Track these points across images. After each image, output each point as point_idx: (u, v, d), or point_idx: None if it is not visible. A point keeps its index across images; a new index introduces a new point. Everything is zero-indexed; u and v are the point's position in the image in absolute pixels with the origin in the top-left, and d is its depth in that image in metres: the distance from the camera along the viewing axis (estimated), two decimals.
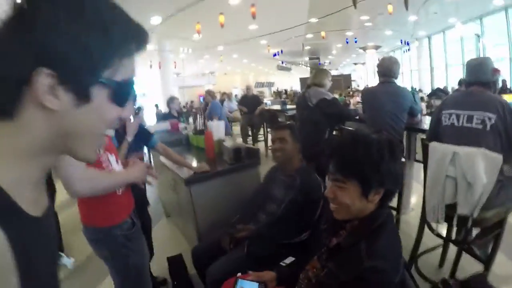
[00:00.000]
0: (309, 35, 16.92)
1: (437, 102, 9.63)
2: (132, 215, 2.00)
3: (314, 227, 2.32)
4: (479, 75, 2.60)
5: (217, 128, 3.76)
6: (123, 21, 0.61)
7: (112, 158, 1.91)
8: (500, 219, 2.46)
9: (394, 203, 3.40)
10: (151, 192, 3.98)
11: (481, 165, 2.24)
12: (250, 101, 9.32)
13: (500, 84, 3.48)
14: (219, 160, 3.39)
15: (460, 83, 2.58)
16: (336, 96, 4.67)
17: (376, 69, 3.87)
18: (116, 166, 1.91)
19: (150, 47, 12.87)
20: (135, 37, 0.63)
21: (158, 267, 3.22)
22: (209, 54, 20.46)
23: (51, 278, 0.69)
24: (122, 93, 0.64)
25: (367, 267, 1.19)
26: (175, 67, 19.54)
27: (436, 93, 10.90)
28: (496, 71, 2.66)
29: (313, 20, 13.10)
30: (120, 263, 1.89)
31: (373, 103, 3.75)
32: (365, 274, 1.19)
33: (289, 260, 2.08)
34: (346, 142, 1.32)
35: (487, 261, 2.54)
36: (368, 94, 4.18)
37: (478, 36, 13.54)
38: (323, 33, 13.80)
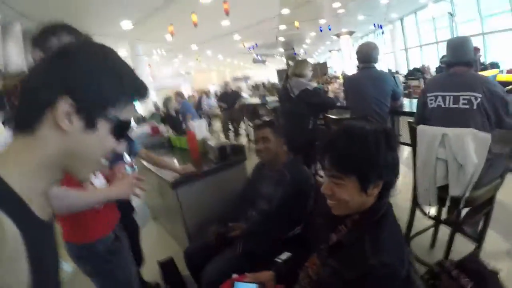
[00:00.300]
0: (282, 27, 16.82)
1: (414, 82, 9.81)
2: (116, 228, 1.90)
3: (307, 220, 2.28)
4: (462, 55, 2.59)
5: (199, 127, 3.67)
6: (132, 75, 0.80)
7: None
8: (489, 197, 2.50)
9: None
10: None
11: (471, 145, 2.23)
12: (229, 97, 9.51)
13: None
14: (204, 159, 3.32)
15: (442, 62, 2.55)
16: (314, 84, 4.65)
17: (355, 56, 3.84)
18: (97, 180, 1.80)
19: (122, 52, 12.77)
20: (139, 88, 0.81)
21: (149, 271, 3.12)
22: (183, 54, 20.29)
23: (57, 276, 0.80)
24: (121, 129, 0.80)
25: (374, 263, 1.14)
26: (149, 69, 19.34)
27: (413, 73, 11.03)
28: (476, 50, 2.67)
29: (285, 11, 13.04)
30: (105, 279, 1.81)
31: (356, 90, 3.72)
32: (372, 270, 1.14)
33: (285, 255, 2.02)
34: (341, 136, 1.24)
35: (479, 239, 2.59)
36: (350, 81, 4.14)
37: (451, 14, 13.63)
38: (297, 23, 13.77)
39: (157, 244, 3.91)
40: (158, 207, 3.98)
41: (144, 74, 15.72)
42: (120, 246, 1.88)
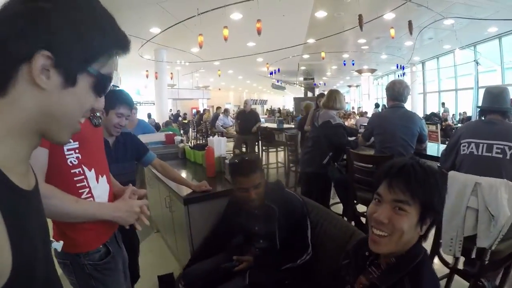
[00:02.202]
0: (306, 56, 16.97)
1: (431, 127, 9.73)
2: (109, 242, 1.68)
3: (312, 246, 2.16)
4: (501, 104, 2.62)
5: (218, 144, 3.53)
6: (116, 28, 0.73)
7: (91, 174, 1.60)
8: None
9: None
10: None
11: (504, 196, 2.16)
12: (247, 117, 8.82)
13: None
14: (219, 179, 3.20)
15: (482, 111, 2.61)
16: (340, 120, 4.56)
17: (386, 92, 3.78)
18: (96, 185, 1.61)
19: (147, 56, 12.87)
20: (122, 42, 0.75)
21: (147, 285, 3.03)
22: (205, 68, 20.36)
23: (44, 249, 0.70)
24: (103, 84, 0.73)
25: None
26: (171, 79, 19.48)
27: (431, 117, 10.99)
28: None
29: (311, 40, 13.15)
30: None
31: (384, 128, 3.63)
32: None
33: None
34: (415, 165, 1.21)
35: None
36: (378, 118, 4.04)
37: (477, 62, 13.82)
38: (323, 54, 13.77)
39: (157, 258, 3.78)
40: (163, 220, 3.83)
41: (164, 81, 15.88)
42: (111, 263, 1.67)
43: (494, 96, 2.67)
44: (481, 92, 5.41)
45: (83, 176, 1.57)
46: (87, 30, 0.66)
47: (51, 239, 0.86)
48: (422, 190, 1.15)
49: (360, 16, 8.18)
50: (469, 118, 13.06)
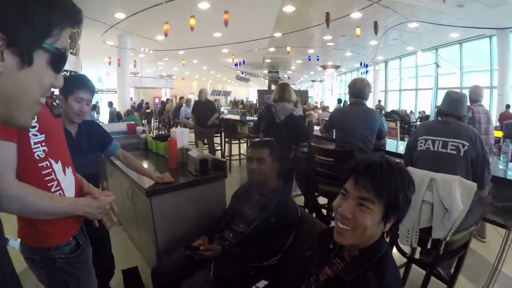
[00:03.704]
0: (272, 49, 17.02)
1: (391, 124, 10.04)
2: (78, 235, 1.64)
3: (285, 252, 2.15)
4: (458, 109, 2.82)
5: (181, 135, 3.49)
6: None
7: (58, 166, 1.55)
8: (465, 241, 2.60)
9: None
10: None
11: (458, 191, 2.32)
12: (203, 108, 8.10)
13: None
14: (182, 170, 3.15)
15: (439, 113, 2.83)
16: (300, 111, 4.59)
17: (347, 89, 3.87)
18: (64, 177, 1.56)
19: (110, 42, 12.46)
20: (73, 13, 0.72)
21: (112, 279, 2.90)
22: (169, 57, 20.00)
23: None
24: (60, 59, 0.71)
25: None
26: (134, 66, 19.00)
27: (391, 115, 11.33)
28: (469, 109, 2.84)
29: (278, 34, 13.18)
30: None
31: (345, 124, 3.72)
32: None
33: (262, 284, 1.92)
34: (382, 163, 1.22)
35: (451, 282, 2.67)
36: (340, 114, 4.13)
37: (437, 65, 14.57)
38: (288, 48, 13.88)
39: (121, 251, 3.57)
40: (125, 213, 3.66)
41: (127, 69, 15.41)
42: (81, 255, 1.64)
43: (453, 101, 2.85)
44: (440, 92, 5.68)
45: (50, 169, 1.50)
46: (35, 4, 0.63)
47: (7, 236, 0.82)
48: (387, 189, 1.17)
49: (327, 14, 8.26)
50: (428, 117, 13.58)
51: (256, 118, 8.19)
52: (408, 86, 20.81)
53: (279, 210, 2.19)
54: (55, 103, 1.59)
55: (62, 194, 1.53)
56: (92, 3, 8.96)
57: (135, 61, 18.80)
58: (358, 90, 3.73)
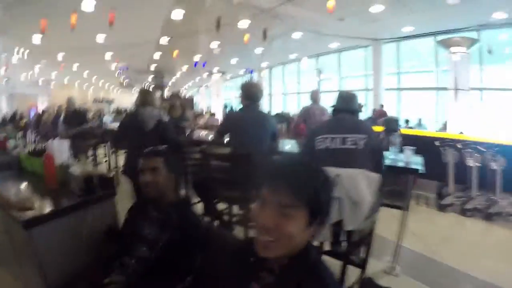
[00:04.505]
0: (157, 54, 16.44)
1: (278, 126, 10.63)
2: None
3: (197, 271, 1.94)
4: (351, 105, 3.06)
5: (59, 149, 2.99)
6: None
7: None
8: (371, 228, 2.81)
9: None
10: None
11: (363, 183, 2.50)
12: (72, 119, 7.31)
13: None
14: (64, 191, 2.64)
15: (334, 111, 3.03)
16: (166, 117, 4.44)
17: (240, 92, 3.82)
18: None
19: None
20: None
21: None
22: (46, 61, 17.84)
23: None
24: None
25: None
26: (5, 70, 16.84)
27: (277, 117, 11.95)
28: (360, 106, 3.09)
29: (164, 39, 12.76)
30: None
31: (240, 127, 3.67)
32: None
33: None
34: (297, 164, 1.15)
35: (363, 265, 2.84)
36: (234, 118, 4.14)
37: (320, 71, 16.57)
38: (175, 53, 13.51)
39: None
40: (2, 251, 2.95)
41: None
42: None
43: (346, 98, 3.11)
44: (322, 95, 6.71)
45: None
46: None
47: None
48: (307, 192, 1.06)
49: (218, 18, 8.24)
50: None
51: None
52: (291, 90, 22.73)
53: (181, 226, 1.99)
54: None
55: None
56: None
57: (6, 64, 16.62)
58: (253, 93, 3.73)
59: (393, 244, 3.47)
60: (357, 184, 2.49)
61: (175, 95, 5.89)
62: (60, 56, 16.07)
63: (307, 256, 1.11)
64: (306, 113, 6.63)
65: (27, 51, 14.71)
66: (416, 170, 3.25)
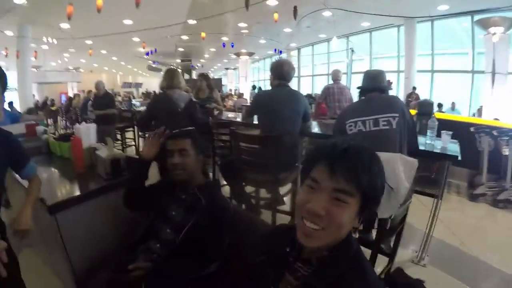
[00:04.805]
0: (184, 37, 16.39)
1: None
2: None
3: (224, 256, 1.90)
4: (379, 82, 2.90)
5: (87, 132, 2.98)
6: None
7: None
8: (403, 216, 2.73)
9: None
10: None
11: (401, 169, 2.33)
12: (100, 103, 7.22)
13: None
14: (91, 175, 2.65)
15: (362, 91, 2.91)
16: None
17: (270, 71, 3.70)
18: None
19: (9, 32, 11.09)
20: None
21: None
22: (75, 48, 17.89)
23: None
24: None
25: None
26: (35, 58, 17.16)
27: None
28: (389, 83, 2.92)
29: (191, 21, 12.66)
30: None
31: (270, 107, 3.54)
32: None
33: None
34: (359, 147, 1.02)
35: (392, 254, 2.80)
36: (263, 98, 3.93)
37: (353, 50, 15.68)
38: (203, 34, 13.35)
39: (35, 276, 2.98)
40: (32, 233, 3.03)
41: (28, 62, 13.68)
42: None
43: (373, 76, 2.95)
44: (354, 77, 6.55)
45: None
46: None
47: None
48: (368, 178, 0.96)
49: None
50: None
51: None
52: (320, 72, 21.88)
53: (209, 209, 1.91)
54: None
55: None
56: None
57: (35, 52, 16.87)
58: (284, 71, 3.57)
59: (420, 232, 3.35)
60: (395, 170, 2.31)
61: (203, 76, 5.76)
62: (88, 42, 16.28)
63: (349, 248, 1.02)
64: (326, 92, 6.69)
65: (55, 39, 14.80)
66: (456, 156, 2.97)
